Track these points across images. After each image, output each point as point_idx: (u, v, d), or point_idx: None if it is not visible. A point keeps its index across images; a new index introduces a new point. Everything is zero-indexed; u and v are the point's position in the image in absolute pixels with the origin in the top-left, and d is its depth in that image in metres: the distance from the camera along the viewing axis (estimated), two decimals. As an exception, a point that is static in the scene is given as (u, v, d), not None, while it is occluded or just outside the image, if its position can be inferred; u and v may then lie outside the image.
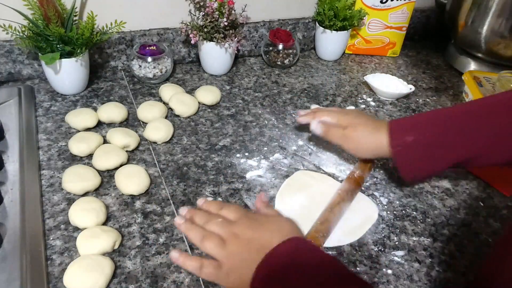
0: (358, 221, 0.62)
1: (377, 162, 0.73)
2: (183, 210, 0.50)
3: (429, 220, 0.64)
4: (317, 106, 0.84)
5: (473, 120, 0.59)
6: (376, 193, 0.67)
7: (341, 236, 0.60)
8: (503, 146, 0.57)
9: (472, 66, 1.02)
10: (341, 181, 0.69)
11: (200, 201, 0.53)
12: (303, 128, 0.80)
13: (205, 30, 0.86)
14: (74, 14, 0.79)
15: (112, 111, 0.76)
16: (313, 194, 0.66)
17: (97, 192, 0.63)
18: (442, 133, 0.59)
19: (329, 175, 0.70)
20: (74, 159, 0.68)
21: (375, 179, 0.70)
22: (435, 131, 0.60)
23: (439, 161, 0.60)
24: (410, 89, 0.92)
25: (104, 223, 0.58)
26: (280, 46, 0.97)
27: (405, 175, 0.62)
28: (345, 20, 0.98)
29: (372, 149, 0.64)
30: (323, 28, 1.00)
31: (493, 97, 0.64)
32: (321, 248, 0.56)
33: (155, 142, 0.73)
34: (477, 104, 0.63)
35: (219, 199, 0.64)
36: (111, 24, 0.79)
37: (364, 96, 0.92)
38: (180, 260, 0.46)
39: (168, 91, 0.83)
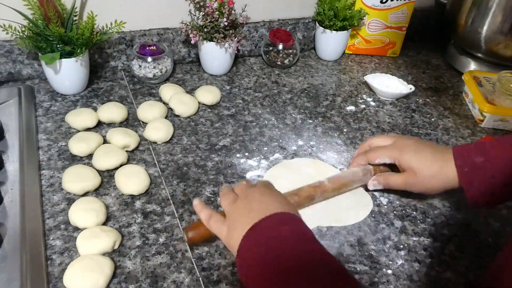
0: (348, 207, 0.63)
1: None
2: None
3: (429, 220, 0.64)
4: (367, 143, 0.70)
5: None
6: (376, 193, 0.67)
7: (323, 217, 0.61)
8: None
9: (472, 66, 1.02)
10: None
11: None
12: (303, 128, 0.80)
13: (205, 30, 0.86)
14: (74, 14, 0.79)
15: (112, 111, 0.76)
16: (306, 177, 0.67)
17: (97, 192, 0.63)
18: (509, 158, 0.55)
19: (329, 175, 0.70)
20: (74, 159, 0.68)
21: (375, 179, 0.70)
22: (505, 154, 0.56)
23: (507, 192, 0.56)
24: (410, 89, 0.92)
25: (104, 223, 0.58)
26: (280, 46, 0.97)
27: (473, 199, 0.58)
28: (345, 20, 0.98)
29: (441, 187, 0.60)
30: (323, 28, 1.00)
31: None
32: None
33: (155, 142, 0.73)
34: None
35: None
36: (111, 24, 0.79)
37: (364, 96, 0.92)
38: (197, 207, 0.55)
39: (168, 91, 0.83)
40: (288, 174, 0.68)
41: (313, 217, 0.56)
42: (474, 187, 0.57)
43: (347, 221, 0.62)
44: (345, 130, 0.81)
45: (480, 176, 0.56)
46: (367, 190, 0.67)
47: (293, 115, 0.84)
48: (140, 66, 0.86)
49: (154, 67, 0.86)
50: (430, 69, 1.07)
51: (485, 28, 0.94)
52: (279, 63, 0.99)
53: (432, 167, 0.59)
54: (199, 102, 0.84)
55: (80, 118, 0.74)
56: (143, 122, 0.78)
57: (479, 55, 1.00)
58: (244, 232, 0.46)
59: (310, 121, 0.83)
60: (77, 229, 0.57)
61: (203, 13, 0.87)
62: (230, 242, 0.49)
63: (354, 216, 0.63)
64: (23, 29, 0.75)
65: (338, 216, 0.62)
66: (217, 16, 0.86)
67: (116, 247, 0.55)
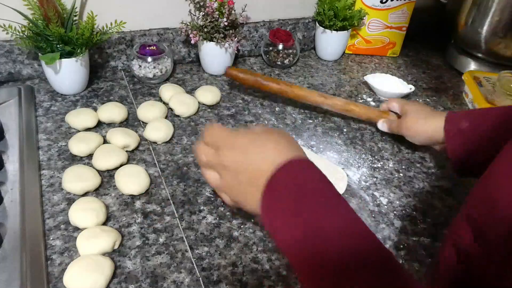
0: None
1: (377, 162, 0.74)
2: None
3: (429, 220, 0.64)
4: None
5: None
6: (376, 193, 0.67)
7: None
8: None
9: (472, 66, 1.02)
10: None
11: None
12: (303, 128, 0.80)
13: (205, 30, 0.87)
14: (74, 14, 0.79)
15: (112, 111, 0.76)
16: None
17: (97, 192, 0.63)
18: (491, 126, 0.61)
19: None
20: (74, 159, 0.68)
21: (374, 179, 0.70)
22: (488, 123, 0.62)
23: (488, 152, 0.58)
24: (410, 89, 0.92)
25: (104, 223, 0.58)
26: (280, 46, 0.97)
27: (455, 159, 0.64)
28: (345, 20, 0.98)
29: (428, 136, 0.69)
30: (323, 28, 1.00)
31: None
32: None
33: (155, 142, 0.73)
34: None
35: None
36: (111, 24, 0.79)
37: (364, 96, 0.92)
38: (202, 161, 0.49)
39: (168, 91, 0.83)
40: None
41: None
42: (456, 149, 0.64)
43: None
44: (345, 130, 0.81)
45: (463, 139, 0.63)
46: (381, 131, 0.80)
47: (293, 115, 0.84)
48: (140, 66, 0.86)
49: (154, 67, 0.86)
50: (430, 69, 1.07)
51: (485, 28, 0.94)
52: (279, 63, 0.99)
53: (423, 114, 0.71)
54: (199, 102, 0.84)
55: (80, 118, 0.74)
56: (143, 122, 0.78)
57: (479, 55, 1.00)
58: (253, 202, 0.43)
59: (310, 121, 0.83)
60: (77, 229, 0.57)
61: (203, 13, 0.87)
62: (246, 207, 0.46)
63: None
64: (23, 29, 0.75)
65: None
66: (217, 16, 0.86)
67: (116, 247, 0.55)
